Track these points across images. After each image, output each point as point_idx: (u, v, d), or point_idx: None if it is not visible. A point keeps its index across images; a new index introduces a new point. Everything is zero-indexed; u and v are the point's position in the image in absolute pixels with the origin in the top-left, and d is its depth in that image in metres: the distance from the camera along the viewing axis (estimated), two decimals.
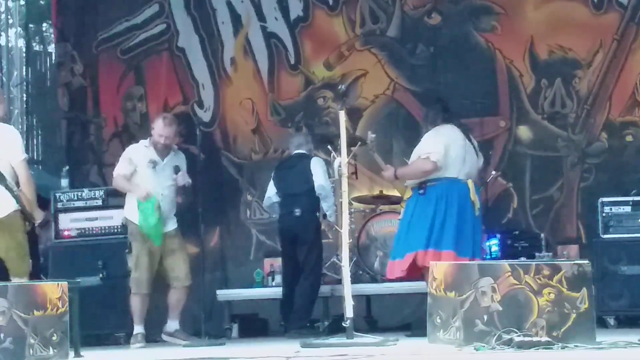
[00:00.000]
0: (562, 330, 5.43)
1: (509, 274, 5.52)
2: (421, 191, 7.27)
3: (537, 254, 8.65)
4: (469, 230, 7.26)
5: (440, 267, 5.98)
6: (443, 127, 7.41)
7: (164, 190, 7.84)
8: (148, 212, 7.63)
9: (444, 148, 7.24)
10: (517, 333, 5.36)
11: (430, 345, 5.84)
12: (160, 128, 7.84)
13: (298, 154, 8.61)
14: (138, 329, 7.73)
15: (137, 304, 7.77)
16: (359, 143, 8.98)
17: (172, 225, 7.93)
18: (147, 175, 7.78)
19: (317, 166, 8.37)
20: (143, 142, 8.00)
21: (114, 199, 8.69)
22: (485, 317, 5.50)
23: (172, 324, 7.84)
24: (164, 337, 7.85)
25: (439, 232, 7.18)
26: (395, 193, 9.38)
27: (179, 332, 7.83)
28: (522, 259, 8.11)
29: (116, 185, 8.03)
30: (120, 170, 7.90)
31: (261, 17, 10.81)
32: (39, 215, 7.12)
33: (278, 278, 8.88)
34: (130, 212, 7.82)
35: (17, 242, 6.93)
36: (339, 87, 8.79)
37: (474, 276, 5.62)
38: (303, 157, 8.51)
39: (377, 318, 8.83)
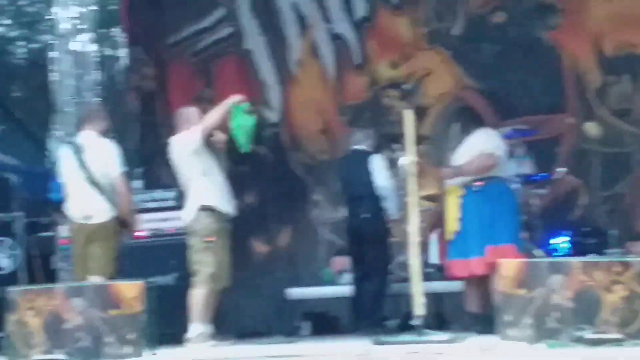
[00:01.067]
0: (633, 326, 5.42)
1: (580, 270, 5.53)
2: (475, 188, 7.30)
3: (606, 250, 8.60)
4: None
5: (509, 265, 6.01)
6: (487, 129, 7.54)
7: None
8: (245, 115, 7.53)
9: (502, 145, 7.35)
10: (588, 330, 5.37)
11: (500, 342, 5.87)
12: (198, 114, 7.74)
13: (356, 150, 8.59)
14: (208, 327, 7.40)
15: (207, 301, 7.41)
16: (426, 142, 9.07)
17: None
18: (210, 158, 7.55)
19: (378, 165, 8.36)
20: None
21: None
22: (556, 314, 5.52)
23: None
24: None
25: (507, 228, 7.28)
26: None
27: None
28: (592, 256, 8.08)
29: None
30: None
31: (326, 17, 10.90)
32: (137, 225, 7.82)
33: (347, 276, 8.95)
34: (214, 197, 7.46)
35: (109, 246, 7.52)
36: (404, 86, 8.83)
37: (544, 273, 5.65)
38: (362, 154, 8.50)
39: (446, 315, 8.84)
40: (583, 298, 5.49)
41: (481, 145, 7.32)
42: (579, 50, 9.95)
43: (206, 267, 7.39)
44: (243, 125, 7.51)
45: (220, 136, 7.70)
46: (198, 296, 7.40)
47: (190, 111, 7.83)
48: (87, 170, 7.53)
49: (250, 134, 7.57)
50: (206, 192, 7.46)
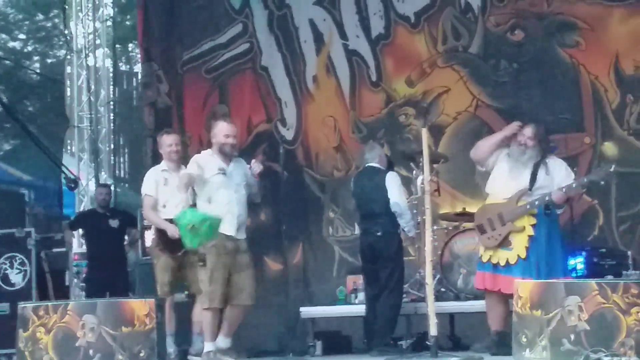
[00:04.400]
0: None
1: (596, 292, 5.46)
2: (548, 211, 7.30)
3: (624, 272, 8.49)
4: None
5: (525, 286, 5.94)
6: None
7: (236, 195, 7.57)
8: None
9: None
10: (605, 353, 5.29)
11: None
12: (225, 128, 7.69)
13: (371, 167, 8.50)
14: (210, 346, 7.37)
15: (210, 319, 7.40)
16: (442, 160, 9.00)
17: (241, 235, 7.59)
18: (218, 183, 7.52)
19: (391, 182, 8.25)
20: (207, 152, 7.78)
21: None
22: (573, 336, 5.45)
23: (224, 341, 7.51)
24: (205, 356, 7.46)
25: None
26: None
27: (232, 350, 7.54)
28: (609, 277, 7.99)
29: (180, 182, 7.61)
30: (187, 170, 7.66)
31: (343, 35, 10.89)
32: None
33: (361, 295, 8.87)
34: None
35: (156, 266, 7.95)
36: (421, 103, 8.75)
37: (561, 295, 5.58)
38: (376, 172, 8.42)
39: (460, 336, 8.76)
40: (600, 320, 5.42)
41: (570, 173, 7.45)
42: (597, 69, 9.87)
43: (202, 285, 7.44)
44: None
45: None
46: (200, 313, 7.49)
47: (218, 125, 7.82)
48: None
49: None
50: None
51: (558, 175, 7.37)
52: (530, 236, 7.20)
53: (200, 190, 7.57)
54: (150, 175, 8.11)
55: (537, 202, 7.23)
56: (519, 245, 7.19)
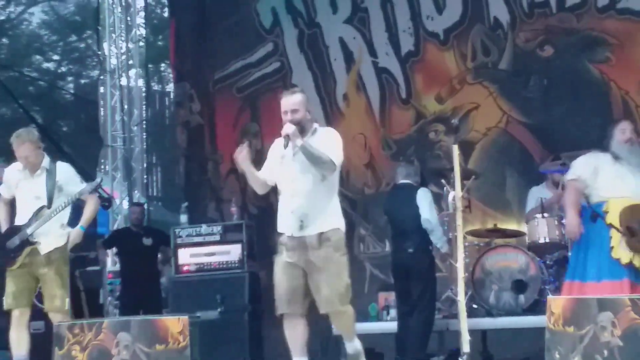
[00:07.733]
0: None
1: (629, 308, 5.42)
2: None
3: None
4: None
5: (558, 302, 5.92)
6: None
7: (293, 186, 6.28)
8: None
9: None
10: None
11: None
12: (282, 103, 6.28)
13: (402, 184, 8.52)
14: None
15: (285, 330, 6.46)
16: (473, 177, 9.00)
17: (309, 230, 6.27)
18: (277, 174, 6.35)
19: (422, 199, 8.27)
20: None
21: (232, 234, 8.86)
22: (606, 352, 5.42)
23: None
24: None
25: None
26: (509, 226, 9.33)
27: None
28: None
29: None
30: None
31: (372, 52, 10.95)
32: None
33: (393, 312, 8.87)
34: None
35: None
36: (452, 121, 8.73)
37: (593, 311, 5.55)
38: (408, 188, 8.42)
39: (493, 353, 8.74)
40: (633, 336, 5.39)
41: None
42: (628, 84, 9.84)
43: None
44: None
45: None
46: None
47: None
48: None
49: None
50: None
51: None
52: None
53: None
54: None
55: None
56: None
